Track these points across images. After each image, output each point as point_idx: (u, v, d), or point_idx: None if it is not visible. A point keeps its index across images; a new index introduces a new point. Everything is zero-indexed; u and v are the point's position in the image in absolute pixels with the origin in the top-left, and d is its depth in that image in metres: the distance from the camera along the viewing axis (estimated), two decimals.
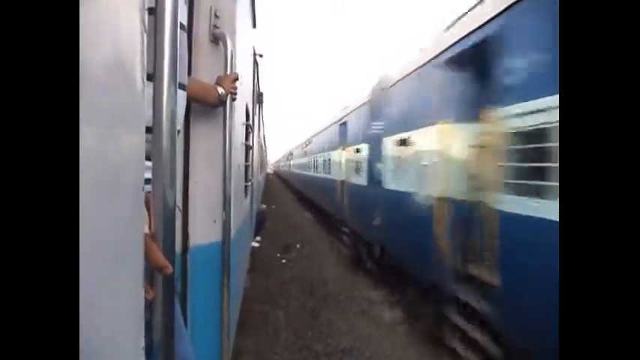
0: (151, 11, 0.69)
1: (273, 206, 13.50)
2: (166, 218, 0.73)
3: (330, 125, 8.56)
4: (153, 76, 0.70)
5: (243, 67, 2.22)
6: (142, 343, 0.53)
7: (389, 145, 4.30)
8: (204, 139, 1.52)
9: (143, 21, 0.54)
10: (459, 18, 3.03)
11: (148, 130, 0.66)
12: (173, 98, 0.72)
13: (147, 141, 0.61)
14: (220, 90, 1.45)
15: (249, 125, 2.74)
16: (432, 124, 3.23)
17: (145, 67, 0.55)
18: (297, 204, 16.35)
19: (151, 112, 0.71)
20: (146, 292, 0.67)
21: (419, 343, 3.65)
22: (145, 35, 0.55)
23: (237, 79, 1.57)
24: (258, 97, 4.86)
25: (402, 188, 3.89)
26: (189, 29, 1.48)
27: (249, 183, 3.09)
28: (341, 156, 7.14)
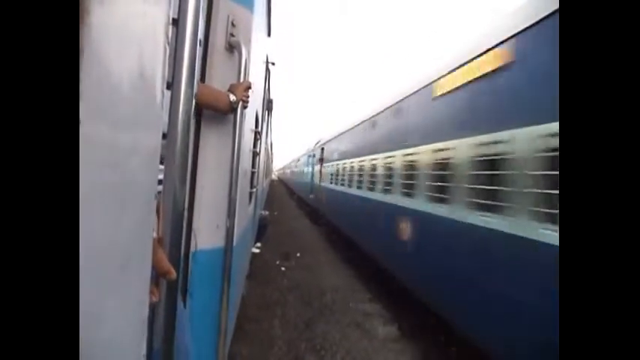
0: (173, 22, 0.71)
1: (276, 212, 13.50)
2: (174, 223, 0.74)
3: (303, 155, 20.48)
4: (171, 85, 0.72)
5: (256, 75, 2.25)
6: (144, 349, 0.53)
7: (317, 167, 13.31)
8: (213, 145, 1.53)
9: (167, 33, 0.55)
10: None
11: (163, 135, 0.67)
12: (189, 107, 0.74)
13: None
14: (232, 97, 1.47)
15: (258, 132, 2.76)
16: (317, 164, 13.39)
17: (166, 76, 0.57)
18: (300, 211, 16.33)
19: (166, 119, 0.72)
20: (152, 293, 0.68)
21: (414, 358, 3.61)
22: (167, 46, 0.56)
23: (249, 87, 1.59)
24: (267, 104, 4.90)
25: (316, 182, 13.10)
26: (206, 37, 1.50)
27: (254, 189, 3.10)
28: (306, 170, 17.36)
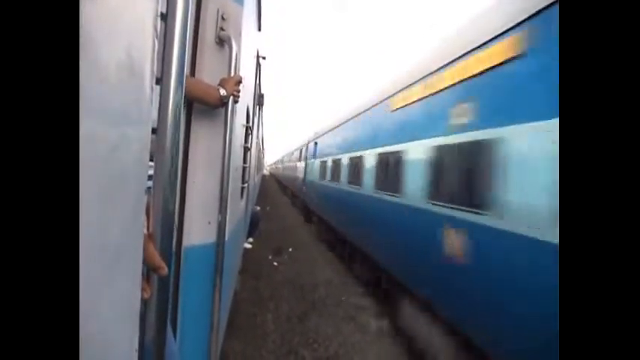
0: (162, 16, 0.70)
1: (268, 207, 13.48)
2: (165, 219, 0.74)
3: (289, 153, 22.45)
4: (160, 80, 0.71)
5: (246, 69, 2.23)
6: (136, 344, 0.53)
7: (293, 164, 17.68)
8: (204, 139, 1.52)
9: (155, 27, 0.55)
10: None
11: (152, 131, 0.66)
12: (179, 101, 0.73)
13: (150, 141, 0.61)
14: (222, 92, 1.46)
15: (249, 127, 2.75)
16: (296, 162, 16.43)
17: (155, 71, 0.56)
18: (292, 207, 16.33)
19: (156, 114, 0.72)
20: (143, 289, 0.67)
21: (406, 352, 3.66)
22: (156, 41, 0.56)
23: (240, 81, 1.58)
24: (259, 99, 4.87)
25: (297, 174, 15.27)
26: (196, 31, 1.49)
27: (246, 185, 3.09)
28: (286, 164, 23.37)
